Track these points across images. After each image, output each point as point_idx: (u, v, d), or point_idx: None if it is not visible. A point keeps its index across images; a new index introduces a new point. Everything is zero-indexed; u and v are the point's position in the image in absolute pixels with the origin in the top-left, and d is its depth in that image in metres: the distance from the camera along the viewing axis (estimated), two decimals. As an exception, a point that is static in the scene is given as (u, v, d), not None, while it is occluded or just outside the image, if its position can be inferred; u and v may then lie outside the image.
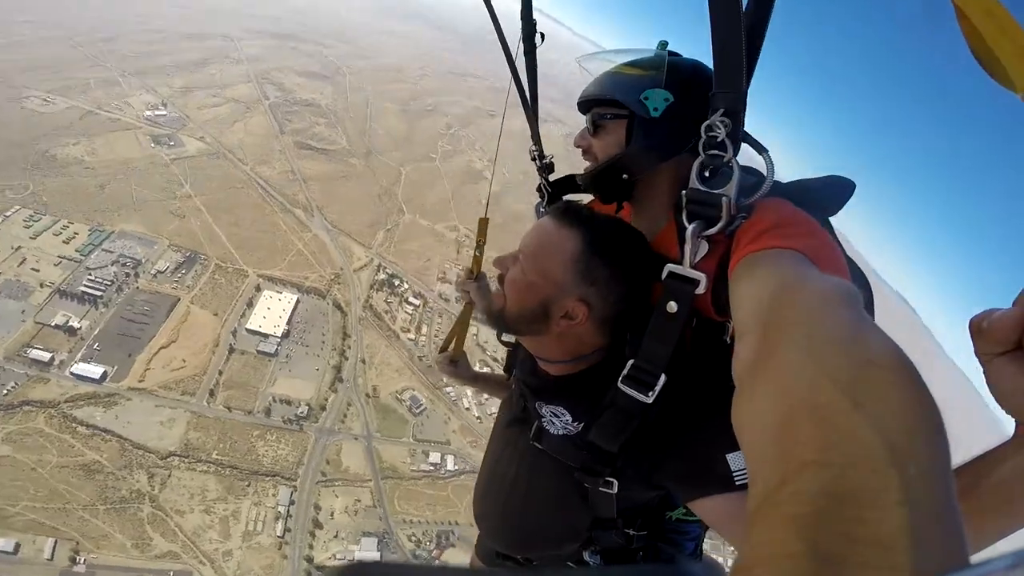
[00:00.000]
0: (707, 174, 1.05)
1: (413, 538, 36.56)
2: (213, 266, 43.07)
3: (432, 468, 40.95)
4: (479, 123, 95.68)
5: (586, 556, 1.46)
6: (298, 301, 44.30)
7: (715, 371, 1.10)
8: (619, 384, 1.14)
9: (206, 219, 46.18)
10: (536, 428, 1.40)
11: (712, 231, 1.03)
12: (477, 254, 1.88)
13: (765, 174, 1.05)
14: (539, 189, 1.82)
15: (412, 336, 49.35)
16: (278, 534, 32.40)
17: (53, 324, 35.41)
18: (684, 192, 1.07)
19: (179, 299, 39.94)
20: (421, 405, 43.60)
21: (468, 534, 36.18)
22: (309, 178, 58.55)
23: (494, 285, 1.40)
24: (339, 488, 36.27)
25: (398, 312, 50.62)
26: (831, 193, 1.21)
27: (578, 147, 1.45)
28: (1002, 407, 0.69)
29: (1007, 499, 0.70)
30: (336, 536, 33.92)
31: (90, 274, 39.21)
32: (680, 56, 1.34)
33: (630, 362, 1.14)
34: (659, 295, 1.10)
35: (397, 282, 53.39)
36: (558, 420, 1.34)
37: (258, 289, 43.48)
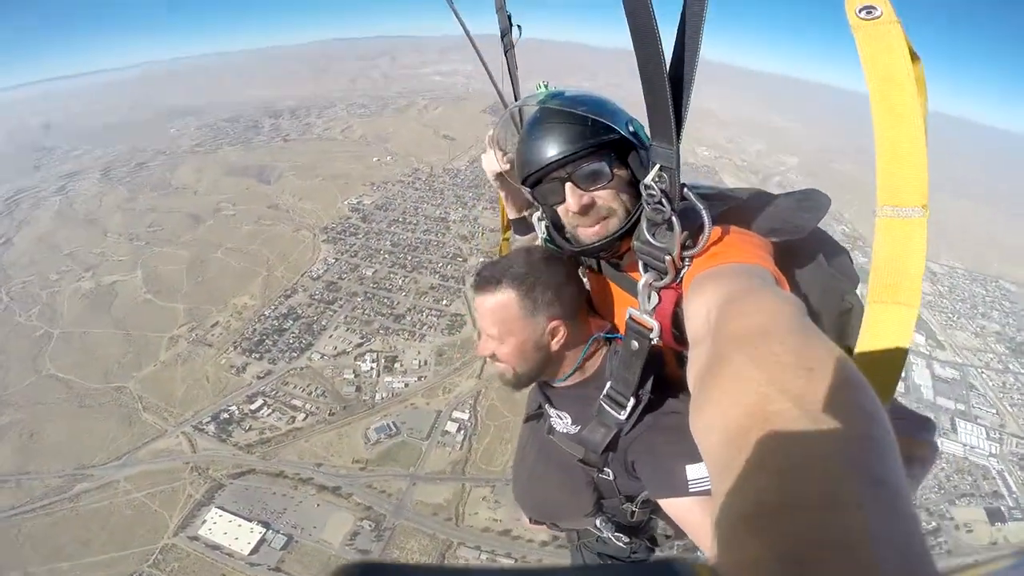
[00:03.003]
0: (654, 228, 1.12)
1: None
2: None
3: (461, 433, 44.89)
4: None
5: (598, 523, 1.73)
6: (222, 508, 39.58)
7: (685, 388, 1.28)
8: (600, 401, 1.41)
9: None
10: (548, 424, 1.72)
11: (662, 284, 1.15)
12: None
13: (710, 203, 1.09)
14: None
15: (302, 414, 48.62)
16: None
17: None
18: (634, 243, 1.18)
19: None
20: (390, 428, 45.93)
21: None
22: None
23: (490, 363, 1.60)
24: (467, 511, 39.39)
25: (266, 420, 47.99)
26: (801, 209, 1.27)
27: (581, 211, 1.32)
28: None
29: None
30: (519, 518, 40.49)
31: None
32: (572, 92, 1.38)
33: (608, 384, 1.39)
34: (626, 332, 1.26)
35: (225, 415, 48.00)
36: (561, 421, 1.64)
37: (186, 556, 36.62)
